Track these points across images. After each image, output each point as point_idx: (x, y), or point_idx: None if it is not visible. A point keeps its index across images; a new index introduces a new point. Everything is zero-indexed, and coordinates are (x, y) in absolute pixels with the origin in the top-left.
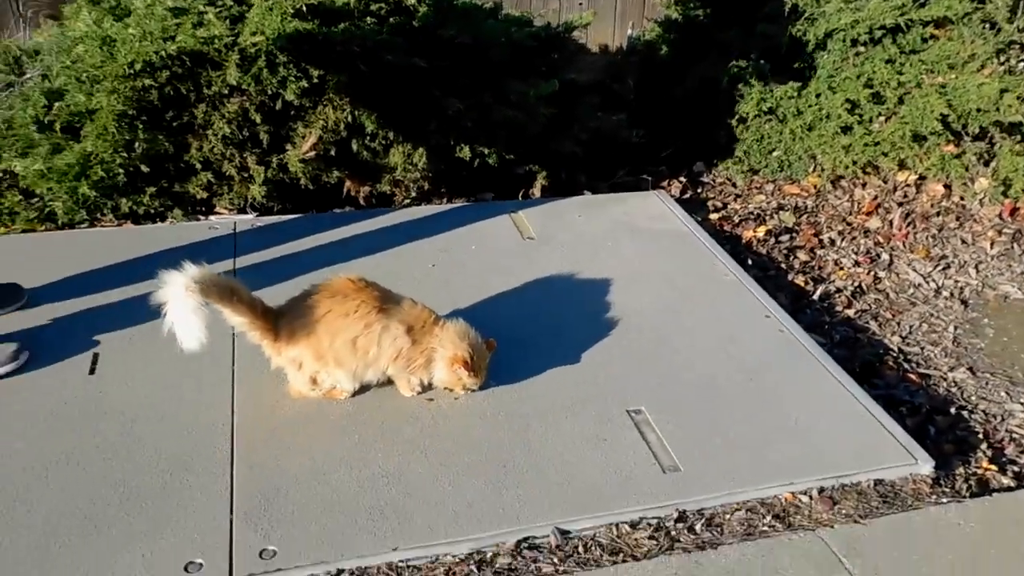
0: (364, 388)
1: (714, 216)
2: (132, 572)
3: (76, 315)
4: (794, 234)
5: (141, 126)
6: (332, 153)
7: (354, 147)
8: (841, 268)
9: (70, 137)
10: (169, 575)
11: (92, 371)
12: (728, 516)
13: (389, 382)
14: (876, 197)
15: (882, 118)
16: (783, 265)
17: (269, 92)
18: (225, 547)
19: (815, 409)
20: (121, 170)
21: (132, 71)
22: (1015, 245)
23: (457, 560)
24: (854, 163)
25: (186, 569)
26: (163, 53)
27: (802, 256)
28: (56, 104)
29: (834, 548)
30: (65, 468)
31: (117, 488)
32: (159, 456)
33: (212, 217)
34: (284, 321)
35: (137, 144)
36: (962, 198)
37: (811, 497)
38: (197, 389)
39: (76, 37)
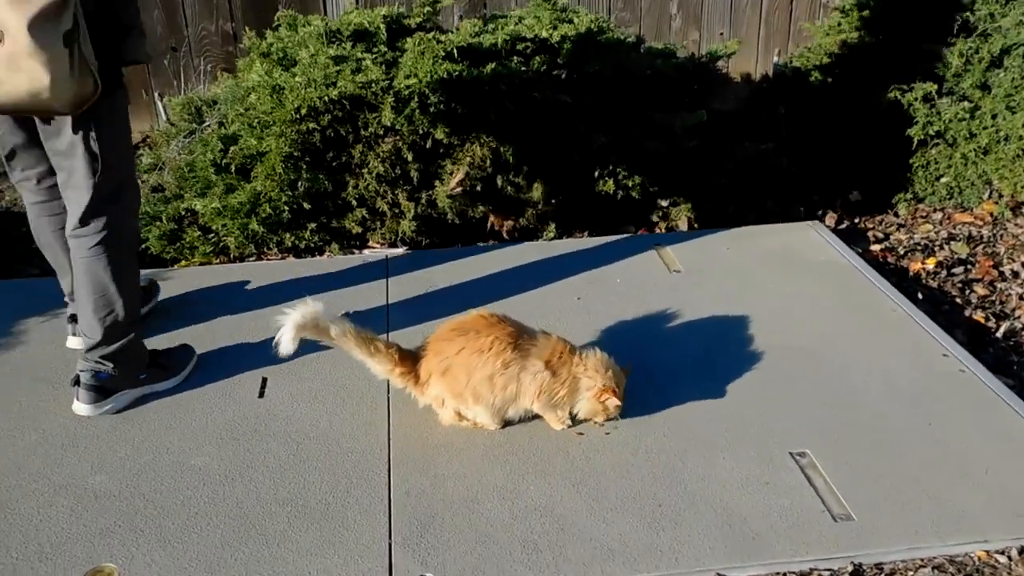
0: (509, 422)
1: (875, 247)
2: None
3: (246, 342)
4: (969, 266)
5: (304, 166)
6: (478, 188)
7: (499, 182)
8: None
9: (242, 178)
10: None
11: (261, 394)
12: (911, 573)
13: (536, 416)
14: None
15: None
16: (958, 299)
17: (420, 131)
18: (384, 570)
19: (1008, 457)
20: (286, 207)
21: (298, 116)
22: None
23: None
24: None
25: None
26: (326, 98)
27: (980, 290)
28: (231, 148)
29: None
30: (239, 484)
31: (285, 505)
32: (323, 478)
33: (366, 251)
34: (422, 362)
35: (300, 183)
36: None
37: (1010, 557)
38: (356, 415)
39: (249, 87)
